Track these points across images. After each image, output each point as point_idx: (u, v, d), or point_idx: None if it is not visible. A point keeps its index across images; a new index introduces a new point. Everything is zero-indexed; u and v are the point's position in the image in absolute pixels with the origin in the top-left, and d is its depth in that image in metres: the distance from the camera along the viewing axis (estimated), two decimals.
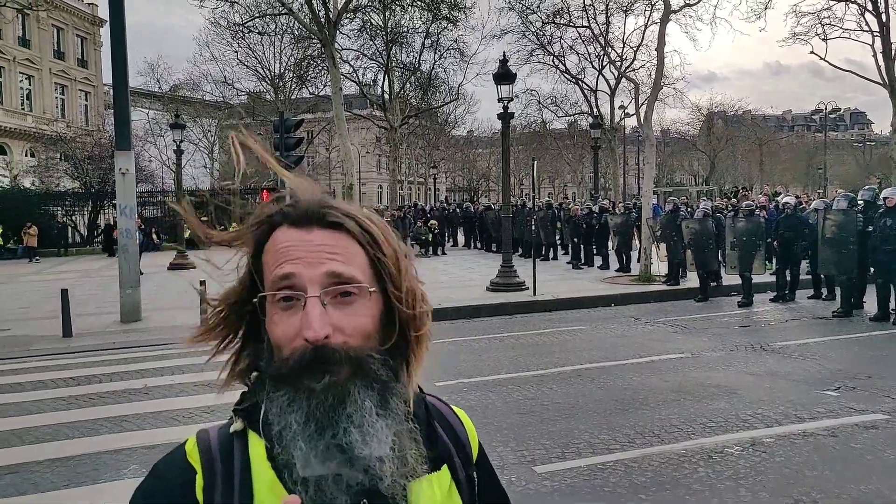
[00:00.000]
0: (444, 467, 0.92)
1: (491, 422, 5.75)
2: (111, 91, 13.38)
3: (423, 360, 0.91)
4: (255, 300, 0.85)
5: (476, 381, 7.10)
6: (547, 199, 27.84)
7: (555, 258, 20.15)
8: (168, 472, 0.85)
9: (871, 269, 10.51)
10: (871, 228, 10.22)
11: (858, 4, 20.61)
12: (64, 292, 10.48)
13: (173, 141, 22.02)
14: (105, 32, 37.83)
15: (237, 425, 0.86)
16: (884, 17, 19.86)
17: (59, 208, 29.98)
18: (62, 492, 4.60)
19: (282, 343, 0.81)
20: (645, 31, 26.88)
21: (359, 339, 0.82)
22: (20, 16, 34.47)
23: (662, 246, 14.35)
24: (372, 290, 0.84)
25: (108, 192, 27.77)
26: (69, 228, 30.69)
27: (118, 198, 11.77)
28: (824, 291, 12.04)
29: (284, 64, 33.75)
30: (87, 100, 42.57)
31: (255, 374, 0.88)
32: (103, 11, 35.02)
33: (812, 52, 22.72)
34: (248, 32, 30.64)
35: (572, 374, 7.36)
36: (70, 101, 40.80)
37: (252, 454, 0.84)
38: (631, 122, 34.68)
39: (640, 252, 15.35)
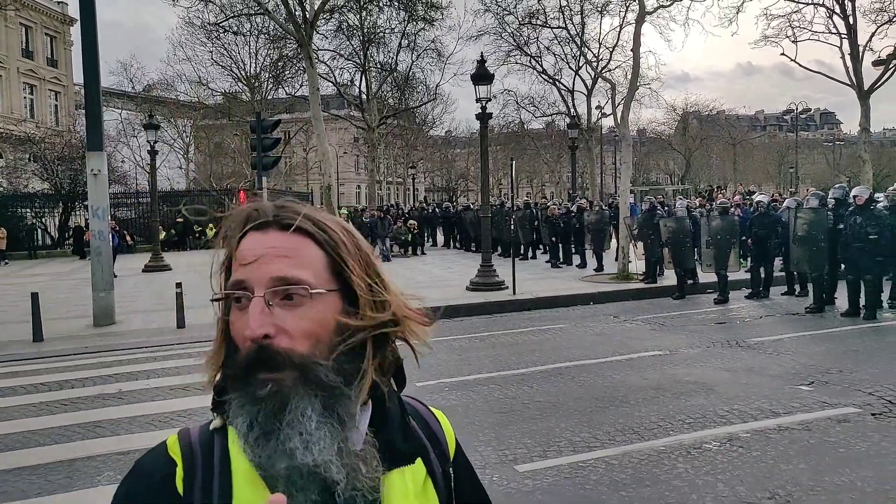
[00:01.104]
0: (419, 461, 0.93)
1: (472, 421, 5.75)
2: (82, 91, 13.14)
3: (394, 359, 0.92)
4: (214, 301, 0.88)
5: (456, 381, 7.09)
6: (525, 198, 27.95)
7: (534, 257, 20.23)
8: (149, 466, 0.87)
9: (842, 266, 10.71)
10: (841, 226, 10.41)
11: (826, 7, 21.02)
12: (34, 296, 10.26)
13: (147, 142, 21.65)
14: (75, 31, 37.15)
15: (216, 422, 0.88)
16: (851, 20, 20.28)
17: (28, 210, 29.36)
18: (34, 500, 4.50)
19: (238, 342, 0.85)
20: (620, 31, 27.15)
21: (304, 342, 0.83)
22: None
23: (640, 244, 14.49)
24: (317, 291, 0.84)
25: (80, 194, 27.29)
26: (39, 230, 30.09)
27: (90, 199, 11.56)
28: (797, 288, 12.24)
29: (260, 64, 33.48)
30: (56, 100, 41.77)
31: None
32: (73, 10, 34.43)
33: (783, 54, 23.15)
34: (223, 32, 30.33)
35: (552, 372, 7.38)
36: (39, 101, 40.00)
37: (231, 448, 0.85)
38: (608, 122, 35.01)
39: (617, 251, 15.48)
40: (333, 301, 0.86)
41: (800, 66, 23.14)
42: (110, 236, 19.74)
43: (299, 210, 0.88)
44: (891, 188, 12.74)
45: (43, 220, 30.29)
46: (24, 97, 39.08)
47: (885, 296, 10.57)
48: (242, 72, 33.84)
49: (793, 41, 22.22)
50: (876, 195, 11.47)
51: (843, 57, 20.44)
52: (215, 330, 0.92)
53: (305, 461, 0.80)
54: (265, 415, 0.80)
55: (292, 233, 0.86)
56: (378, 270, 0.91)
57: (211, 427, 0.89)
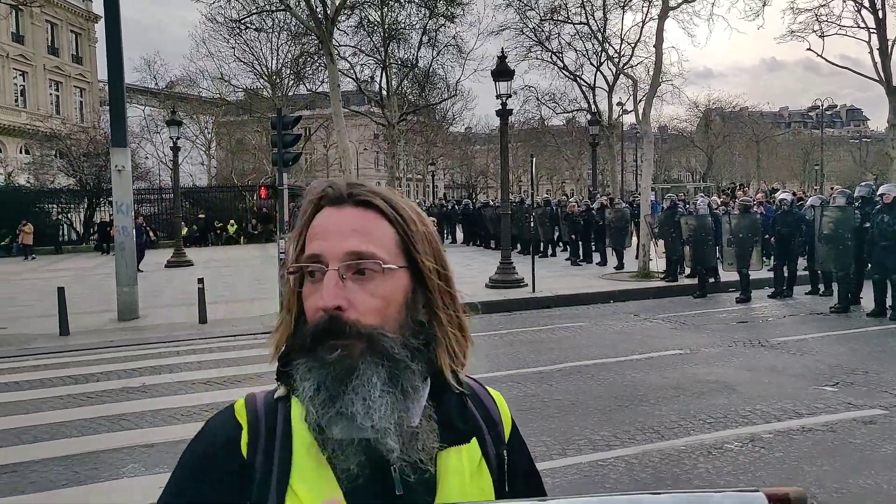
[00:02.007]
0: (474, 441, 0.94)
1: None
2: (106, 87, 13.32)
3: (464, 341, 0.95)
4: (290, 274, 0.90)
5: (475, 378, 7.08)
6: (545, 195, 27.83)
7: (553, 255, 20.15)
8: (218, 427, 0.91)
9: (869, 265, 10.53)
10: (867, 224, 10.23)
11: (855, 1, 20.63)
12: (60, 290, 10.45)
13: (170, 138, 21.92)
14: (100, 28, 37.66)
15: (280, 391, 0.92)
16: (880, 14, 19.88)
17: (54, 206, 29.86)
18: (61, 491, 4.59)
19: (309, 314, 0.87)
20: (643, 27, 26.88)
21: (372, 315, 0.85)
22: (14, 11, 34.30)
23: (660, 242, 14.36)
24: (389, 266, 0.87)
25: (104, 190, 27.68)
26: (65, 226, 30.57)
27: (114, 195, 11.73)
28: (821, 287, 12.06)
29: (282, 60, 33.66)
30: (82, 96, 42.41)
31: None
32: (98, 7, 34.89)
33: (809, 49, 22.74)
34: (245, 29, 30.53)
35: (572, 370, 7.36)
36: (65, 98, 40.64)
37: (293, 417, 0.89)
38: (629, 119, 34.71)
39: (638, 248, 15.36)
40: (402, 278, 0.89)
41: (827, 61, 22.72)
42: (136, 232, 20.14)
43: (373, 188, 0.91)
44: None
45: (68, 215, 30.78)
46: (50, 94, 39.74)
47: None
48: (264, 68, 34.08)
49: (820, 36, 21.88)
50: None
51: (871, 52, 20.05)
52: (284, 301, 0.94)
53: (365, 425, 0.82)
54: (333, 378, 0.83)
55: (366, 209, 0.89)
56: (444, 258, 0.94)
57: (275, 395, 0.92)
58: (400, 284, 0.89)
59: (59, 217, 29.94)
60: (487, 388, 1.06)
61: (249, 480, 0.85)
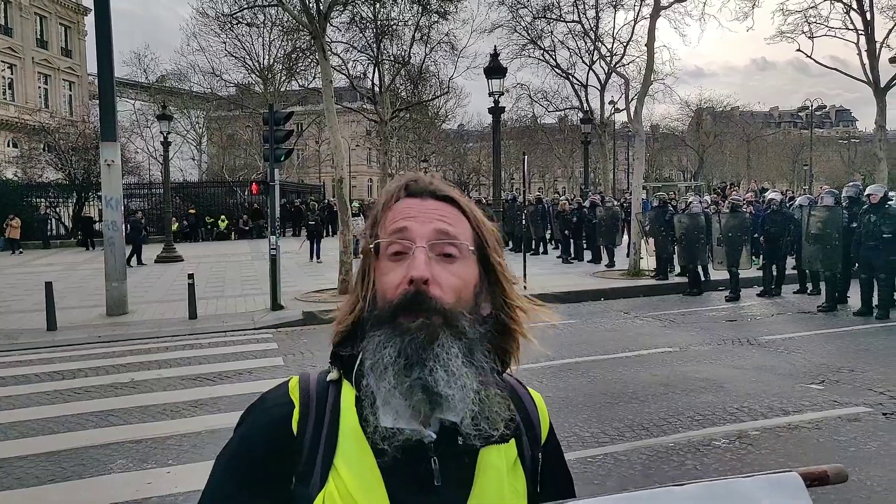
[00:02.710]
0: (512, 441, 0.97)
1: None
2: (96, 81, 13.23)
3: (523, 334, 1.02)
4: (371, 247, 0.95)
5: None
6: (537, 193, 27.87)
7: (545, 252, 20.19)
8: (272, 402, 0.96)
9: (855, 265, 10.62)
10: (855, 224, 10.32)
11: (843, 3, 20.73)
12: (48, 285, 10.37)
13: (160, 132, 21.80)
14: (90, 21, 37.34)
15: (333, 374, 0.96)
16: (868, 16, 20.01)
17: (42, 200, 29.59)
18: (48, 487, 4.56)
19: (388, 289, 0.91)
20: (635, 26, 26.88)
21: (451, 294, 0.91)
22: (2, 4, 33.97)
23: (651, 241, 14.42)
24: (472, 248, 0.95)
25: (94, 184, 27.48)
26: (53, 220, 30.32)
27: (104, 189, 11.65)
28: (809, 286, 12.15)
29: (273, 56, 33.48)
30: (71, 90, 42.05)
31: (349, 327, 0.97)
32: (88, 0, 34.60)
33: (799, 50, 22.85)
34: (237, 23, 30.35)
35: (562, 367, 7.38)
36: (53, 91, 40.28)
37: (343, 401, 0.93)
38: (621, 118, 34.77)
39: (629, 247, 15.43)
40: (475, 267, 0.96)
41: (816, 62, 22.84)
42: (136, 228, 20.13)
43: (449, 186, 1.01)
44: None
45: (57, 209, 30.52)
46: (39, 87, 39.37)
47: None
48: (256, 63, 33.87)
49: (809, 37, 21.97)
50: (890, 193, 11.35)
51: (859, 53, 20.17)
52: (355, 282, 0.99)
53: (446, 393, 0.86)
54: (415, 345, 0.87)
55: (447, 203, 0.98)
56: (504, 259, 1.02)
57: (328, 378, 0.97)
58: (473, 273, 0.95)
59: (48, 211, 29.68)
60: (529, 388, 1.10)
61: (297, 455, 0.90)
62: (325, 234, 26.85)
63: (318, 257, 20.02)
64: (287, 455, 0.91)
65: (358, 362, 0.93)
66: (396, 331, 0.88)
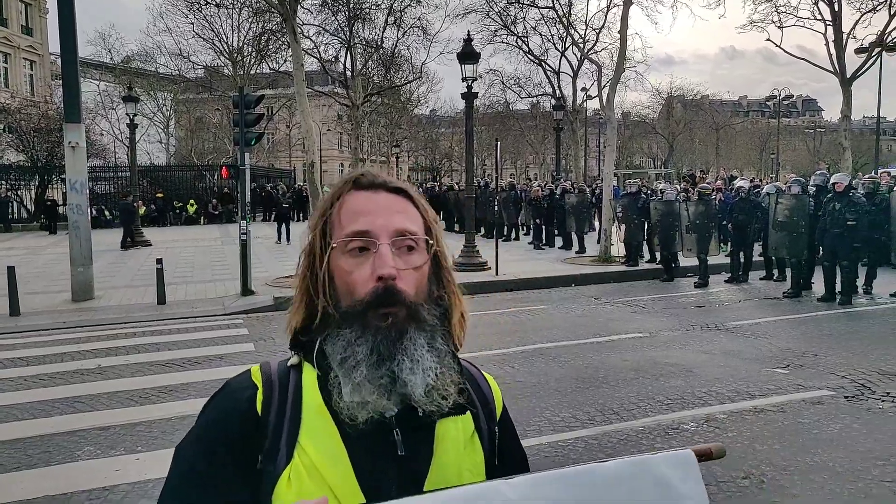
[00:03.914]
0: (468, 414, 1.02)
1: None
2: (59, 61, 12.84)
3: (466, 317, 1.06)
4: (333, 247, 0.97)
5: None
6: (510, 179, 27.92)
7: (516, 239, 20.28)
8: (237, 385, 1.00)
9: (820, 252, 10.87)
10: (820, 213, 10.54)
11: None
12: (10, 269, 10.11)
13: (126, 115, 21.27)
14: None
15: (294, 359, 1.01)
16: (836, 7, 20.35)
17: (2, 182, 28.78)
18: (12, 475, 4.46)
19: (355, 286, 0.95)
20: (607, 13, 26.98)
21: (413, 286, 0.96)
22: None
23: (623, 227, 14.56)
24: (430, 241, 1.01)
25: (57, 167, 26.76)
26: (14, 203, 29.52)
27: (68, 172, 11.36)
28: (776, 273, 12.41)
29: (243, 38, 32.84)
30: (32, 69, 40.73)
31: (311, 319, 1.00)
32: None
33: (768, 40, 23.18)
34: (205, 4, 29.70)
35: (534, 353, 7.44)
36: (14, 70, 38.95)
37: (304, 382, 0.98)
38: (593, 105, 34.94)
39: (599, 233, 15.56)
40: (427, 256, 1.01)
41: (785, 51, 23.22)
42: (128, 210, 19.90)
43: (397, 179, 1.05)
44: (867, 175, 12.94)
45: (18, 192, 29.71)
46: None
47: (859, 282, 10.75)
48: (225, 45, 33.21)
49: (778, 27, 22.28)
50: (854, 182, 11.62)
51: (827, 44, 20.53)
52: (304, 281, 1.02)
53: (409, 379, 0.92)
54: (387, 342, 0.93)
55: (398, 195, 1.01)
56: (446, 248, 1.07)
57: (289, 363, 1.01)
58: (426, 261, 1.00)
59: (9, 194, 28.86)
60: (482, 370, 1.15)
61: (262, 435, 0.94)
62: (295, 218, 26.63)
63: (287, 241, 20.18)
64: (253, 436, 0.94)
65: (318, 346, 0.97)
66: (368, 329, 0.93)
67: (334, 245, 0.97)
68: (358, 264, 0.96)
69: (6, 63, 38.67)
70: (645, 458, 0.92)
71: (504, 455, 1.07)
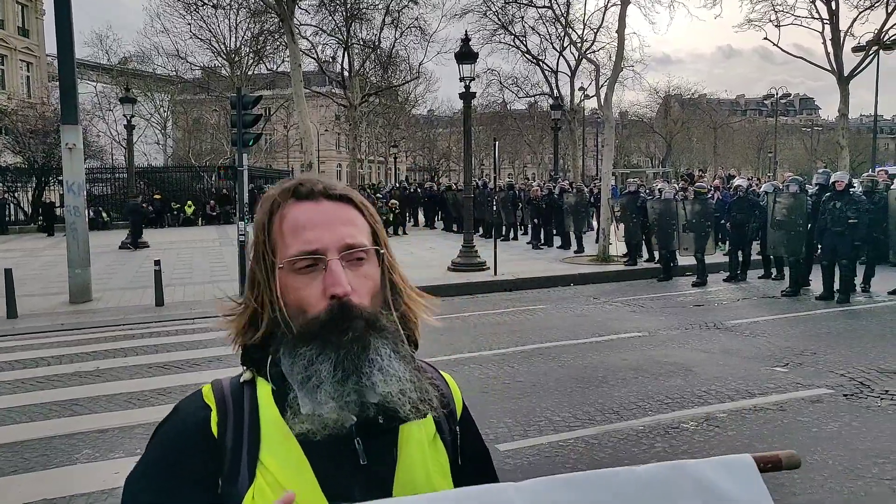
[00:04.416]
0: (430, 416, 0.99)
1: None
2: (55, 62, 12.81)
3: (421, 318, 1.04)
4: (280, 266, 0.93)
5: (437, 361, 7.08)
6: (508, 179, 27.91)
7: (515, 238, 20.28)
8: (187, 409, 0.96)
9: (818, 250, 10.87)
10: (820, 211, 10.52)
11: None
12: (8, 272, 10.08)
13: (123, 116, 21.22)
14: (48, 0, 36.03)
15: (247, 375, 0.98)
16: (833, 5, 20.37)
17: None
18: (10, 478, 4.45)
19: (307, 304, 0.92)
20: (605, 12, 27.02)
21: (368, 297, 0.94)
22: None
23: (621, 226, 14.57)
24: (382, 250, 0.98)
25: (54, 168, 26.69)
26: (11, 205, 29.47)
27: (65, 174, 11.32)
28: (774, 271, 12.42)
29: (241, 38, 32.81)
30: (29, 71, 40.66)
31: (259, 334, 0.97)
32: None
33: (766, 39, 23.23)
34: (202, 4, 29.68)
35: (533, 352, 7.44)
36: (10, 72, 38.87)
37: (260, 397, 0.95)
38: (590, 104, 35.00)
39: (598, 232, 15.56)
40: (376, 263, 0.98)
41: (783, 50, 23.29)
42: (136, 211, 20.03)
43: (341, 185, 1.00)
44: (865, 174, 12.94)
45: (15, 194, 29.65)
46: None
47: (857, 280, 10.75)
48: (222, 46, 33.18)
49: (776, 25, 22.30)
50: (853, 181, 11.62)
51: (824, 42, 20.54)
52: (249, 295, 0.98)
53: (385, 391, 0.90)
54: (351, 356, 0.90)
55: (341, 203, 0.97)
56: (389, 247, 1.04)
57: (241, 380, 0.98)
58: (378, 269, 0.98)
59: (6, 196, 28.80)
60: (440, 371, 1.13)
61: (220, 458, 0.91)
62: None
63: None
64: (211, 459, 0.90)
65: (270, 361, 0.94)
66: (329, 346, 0.90)
67: (281, 265, 0.93)
68: (307, 282, 0.92)
69: (3, 65, 38.58)
70: (688, 463, 0.81)
71: (466, 454, 1.06)
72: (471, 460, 1.07)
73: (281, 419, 0.92)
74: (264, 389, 0.95)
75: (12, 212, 29.56)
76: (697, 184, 15.20)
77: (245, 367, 0.99)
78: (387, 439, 0.94)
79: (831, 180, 10.56)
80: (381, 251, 0.98)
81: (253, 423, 0.92)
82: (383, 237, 1.00)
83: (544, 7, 28.35)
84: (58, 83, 12.59)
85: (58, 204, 26.58)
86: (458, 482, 1.00)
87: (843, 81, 20.05)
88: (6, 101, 32.69)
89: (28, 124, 29.48)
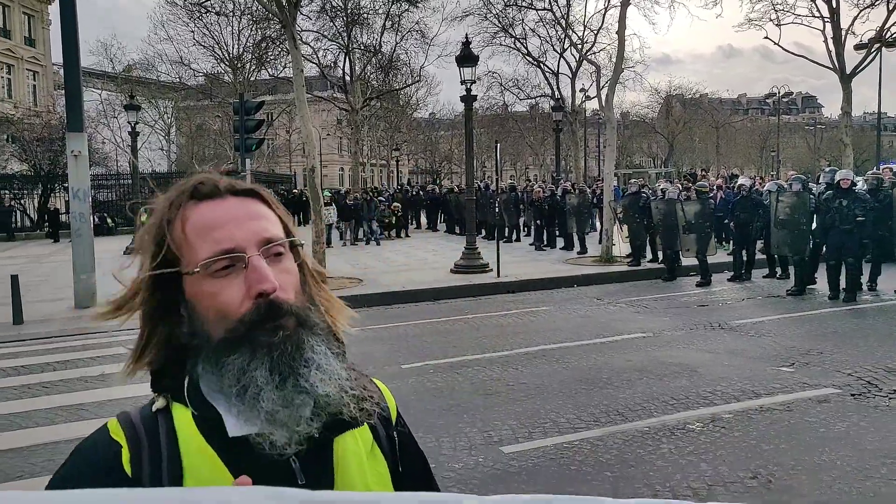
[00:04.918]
0: (365, 425, 0.94)
1: (457, 403, 5.77)
2: (61, 71, 12.89)
3: (342, 307, 0.99)
4: (195, 271, 0.85)
5: (441, 363, 7.10)
6: (510, 181, 27.92)
7: (517, 240, 20.27)
8: (91, 450, 0.87)
9: (823, 249, 10.83)
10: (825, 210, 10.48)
11: None
12: (14, 278, 10.11)
13: (128, 123, 21.33)
14: (53, 10, 36.26)
15: (160, 402, 0.89)
16: (834, 3, 20.32)
17: (6, 191, 28.89)
18: (16, 483, 4.46)
19: (227, 309, 0.85)
20: (605, 14, 27.01)
21: (292, 292, 0.88)
22: None
23: (624, 227, 14.55)
24: (300, 243, 0.94)
25: (59, 175, 26.81)
26: (17, 212, 29.61)
27: (70, 181, 11.37)
28: (778, 270, 12.38)
29: (243, 45, 32.92)
30: (35, 80, 40.86)
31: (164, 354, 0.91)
32: None
33: (766, 38, 23.14)
34: (206, 12, 29.78)
35: (537, 354, 7.43)
36: (17, 81, 39.09)
37: (178, 425, 0.87)
38: (592, 105, 34.93)
39: (601, 233, 15.54)
40: (292, 255, 0.93)
41: (784, 49, 23.11)
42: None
43: (240, 181, 0.94)
44: (870, 172, 12.90)
45: (22, 201, 29.81)
46: (2, 77, 38.16)
47: (863, 278, 10.72)
48: (225, 52, 33.28)
49: (776, 24, 22.24)
50: (857, 179, 11.59)
51: (825, 40, 20.47)
52: (148, 315, 0.92)
53: (325, 391, 0.84)
54: (285, 357, 0.84)
55: (247, 198, 0.91)
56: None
57: (154, 408, 0.89)
58: (294, 261, 0.93)
59: (12, 203, 28.94)
60: (371, 377, 1.07)
61: None
62: (295, 222, 26.60)
63: None
64: None
65: (188, 384, 0.87)
66: (259, 348, 0.83)
67: (192, 271, 0.86)
68: (226, 285, 0.85)
69: (9, 74, 38.80)
70: (668, 502, 0.71)
71: (405, 460, 1.01)
72: (411, 466, 1.02)
73: (206, 444, 0.84)
74: (182, 415, 0.87)
75: (19, 218, 29.72)
76: (698, 183, 15.19)
77: (157, 394, 0.90)
78: (323, 455, 0.88)
79: (837, 178, 10.53)
80: (300, 243, 0.93)
81: (172, 454, 0.84)
82: (292, 228, 0.95)
83: (544, 9, 28.38)
84: (63, 91, 12.67)
85: (63, 210, 26.67)
86: (399, 490, 0.96)
87: (846, 79, 19.99)
88: (13, 109, 32.86)
89: (34, 132, 29.66)
